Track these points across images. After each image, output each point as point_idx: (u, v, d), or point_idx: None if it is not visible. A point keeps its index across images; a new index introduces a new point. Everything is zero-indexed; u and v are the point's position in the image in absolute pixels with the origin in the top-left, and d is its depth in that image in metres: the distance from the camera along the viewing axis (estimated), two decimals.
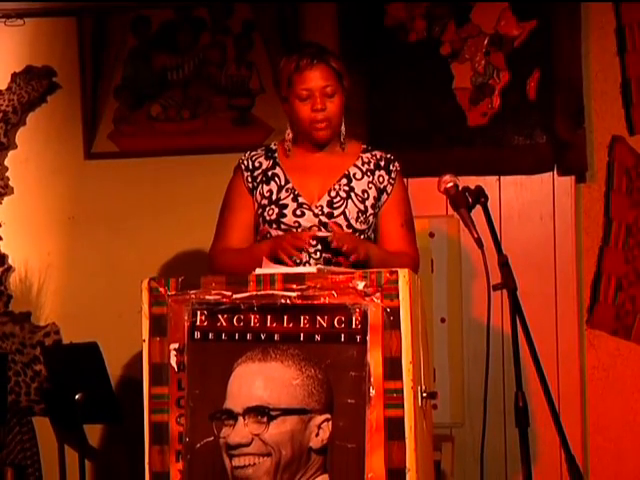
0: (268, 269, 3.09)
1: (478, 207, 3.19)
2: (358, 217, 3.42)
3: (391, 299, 2.88)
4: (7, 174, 5.03)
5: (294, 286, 2.94)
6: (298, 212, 3.42)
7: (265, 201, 3.46)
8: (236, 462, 2.92)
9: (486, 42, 4.78)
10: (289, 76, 3.40)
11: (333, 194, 3.43)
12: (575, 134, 4.71)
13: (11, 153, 5.04)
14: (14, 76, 5.02)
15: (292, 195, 3.44)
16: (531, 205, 4.77)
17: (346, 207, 3.42)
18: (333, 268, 3.15)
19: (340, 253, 3.29)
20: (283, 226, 3.42)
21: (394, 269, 2.92)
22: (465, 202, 3.20)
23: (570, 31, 4.70)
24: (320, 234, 3.35)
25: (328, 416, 2.88)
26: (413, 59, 4.80)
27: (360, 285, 2.90)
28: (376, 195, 3.46)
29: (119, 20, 4.97)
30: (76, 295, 4.98)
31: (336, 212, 3.41)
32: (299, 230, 3.40)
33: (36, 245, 5.01)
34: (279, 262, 3.24)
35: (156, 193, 4.96)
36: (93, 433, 4.62)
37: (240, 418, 2.90)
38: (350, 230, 3.40)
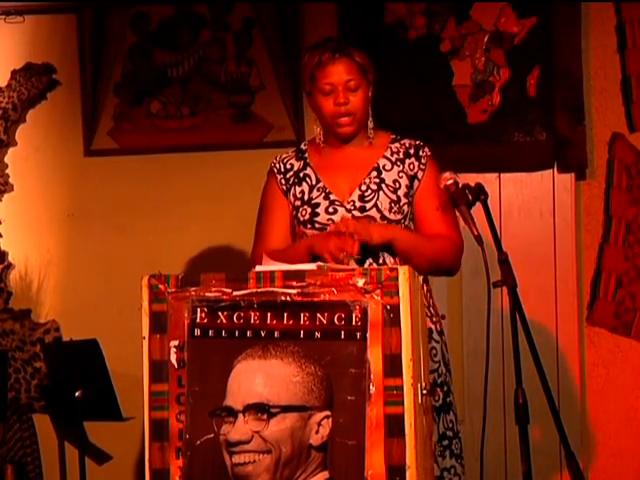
0: (268, 266, 3.09)
1: (478, 204, 3.19)
2: (391, 207, 3.42)
3: (391, 296, 2.87)
4: (7, 171, 5.03)
5: (294, 283, 2.94)
6: (330, 210, 3.43)
7: (298, 202, 3.48)
8: (236, 459, 2.91)
9: (486, 39, 4.77)
10: (312, 71, 3.40)
11: (364, 188, 3.44)
12: (575, 131, 4.71)
13: (11, 150, 5.03)
14: (14, 73, 5.02)
15: (323, 194, 3.45)
16: (531, 202, 4.77)
17: (378, 199, 3.42)
18: (333, 265, 3.15)
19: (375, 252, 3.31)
20: (317, 225, 3.43)
21: (394, 266, 2.92)
22: (465, 199, 3.20)
23: (570, 28, 4.69)
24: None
25: (328, 413, 2.88)
26: (413, 56, 4.80)
27: (360, 282, 2.89)
28: (408, 183, 3.46)
29: (119, 17, 4.97)
30: (76, 292, 4.98)
31: (368, 205, 3.42)
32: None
33: (36, 242, 5.01)
34: (317, 259, 3.24)
35: (156, 190, 4.96)
36: (93, 430, 4.62)
37: (240, 415, 2.90)
38: (384, 222, 3.41)
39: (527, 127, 4.75)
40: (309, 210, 3.45)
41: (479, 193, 3.20)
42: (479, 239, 3.08)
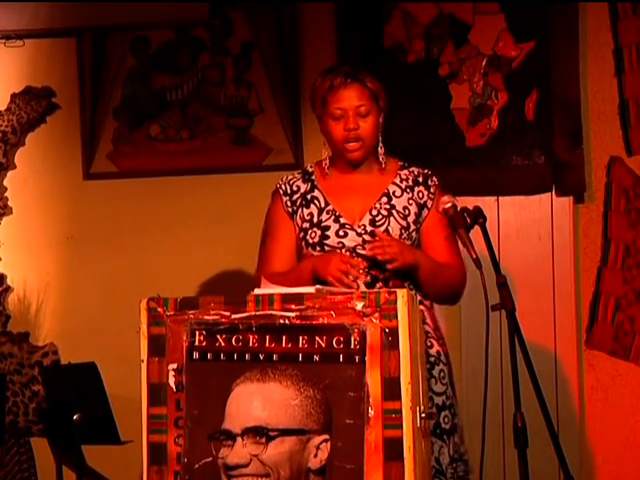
0: (267, 289, 3.09)
1: (477, 227, 3.20)
2: (401, 234, 3.43)
3: (390, 319, 2.88)
4: (6, 194, 5.03)
5: (293, 306, 2.94)
6: (341, 233, 3.43)
7: (306, 224, 3.47)
8: None
9: (484, 63, 4.79)
10: (323, 95, 3.42)
11: (375, 213, 3.44)
12: (573, 154, 4.72)
13: (10, 173, 5.04)
14: (13, 97, 5.03)
15: (333, 217, 3.45)
16: (529, 225, 4.77)
17: (389, 225, 3.43)
18: (332, 288, 3.15)
19: (387, 269, 3.31)
20: (327, 248, 3.43)
21: (392, 289, 2.93)
22: (463, 222, 3.21)
23: (568, 52, 4.71)
24: (364, 252, 3.35)
25: (327, 437, 2.88)
26: (412, 80, 4.81)
27: (359, 305, 2.90)
28: (417, 211, 3.47)
29: (118, 40, 4.98)
30: (75, 315, 4.97)
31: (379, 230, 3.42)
32: (343, 251, 3.40)
33: (35, 265, 5.00)
34: (322, 283, 3.25)
35: (155, 213, 4.96)
36: (91, 453, 4.60)
37: (238, 438, 2.90)
38: None
39: (525, 150, 4.76)
40: (319, 233, 3.45)
41: (478, 216, 3.21)
42: (478, 262, 3.08)
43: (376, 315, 2.88)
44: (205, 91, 4.97)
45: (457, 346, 4.69)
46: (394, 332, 2.87)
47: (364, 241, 3.40)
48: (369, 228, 3.42)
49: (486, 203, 4.57)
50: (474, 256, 3.10)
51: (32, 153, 5.04)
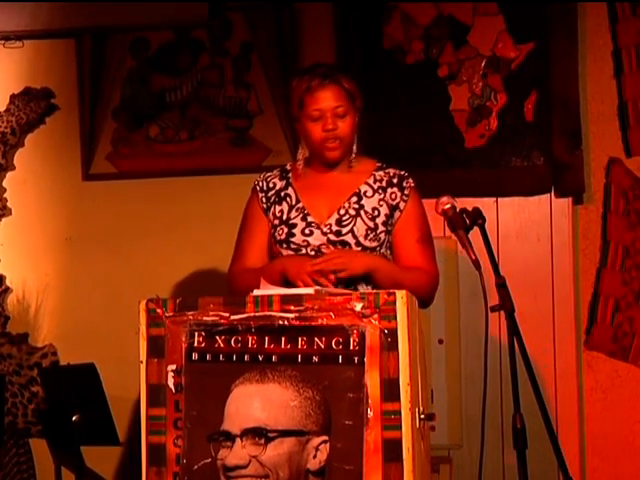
0: (266, 290, 3.09)
1: (476, 228, 3.20)
2: (367, 235, 3.42)
3: (389, 320, 2.88)
4: (5, 195, 5.03)
5: (292, 307, 2.94)
6: (307, 231, 3.43)
7: (277, 221, 3.48)
8: None
9: (483, 64, 4.79)
10: (300, 96, 3.42)
11: (342, 212, 3.44)
12: (572, 156, 4.72)
13: (9, 174, 5.04)
14: (13, 97, 5.03)
15: (302, 214, 3.46)
16: (528, 226, 4.78)
17: (354, 225, 3.42)
18: (331, 289, 3.15)
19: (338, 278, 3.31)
20: (293, 245, 3.43)
21: (392, 290, 2.92)
22: (463, 223, 3.21)
23: (567, 53, 4.71)
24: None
25: (326, 438, 2.88)
26: (411, 81, 4.82)
27: (358, 306, 2.90)
28: (388, 212, 3.46)
29: (118, 41, 4.98)
30: (74, 316, 4.97)
31: (344, 230, 3.42)
32: (308, 249, 3.40)
33: (34, 266, 5.00)
34: (289, 282, 3.27)
35: (154, 214, 4.96)
36: (90, 454, 4.60)
37: (238, 440, 2.89)
38: (359, 248, 3.41)
39: (525, 152, 4.76)
40: (285, 230, 3.46)
41: (477, 217, 3.21)
42: (477, 263, 3.08)
43: (375, 316, 2.88)
44: (204, 92, 4.97)
45: (456, 347, 4.69)
46: (393, 333, 2.87)
47: (329, 240, 3.41)
48: (335, 228, 3.42)
49: (485, 204, 4.57)
50: (473, 257, 3.10)
51: (31, 154, 5.04)
